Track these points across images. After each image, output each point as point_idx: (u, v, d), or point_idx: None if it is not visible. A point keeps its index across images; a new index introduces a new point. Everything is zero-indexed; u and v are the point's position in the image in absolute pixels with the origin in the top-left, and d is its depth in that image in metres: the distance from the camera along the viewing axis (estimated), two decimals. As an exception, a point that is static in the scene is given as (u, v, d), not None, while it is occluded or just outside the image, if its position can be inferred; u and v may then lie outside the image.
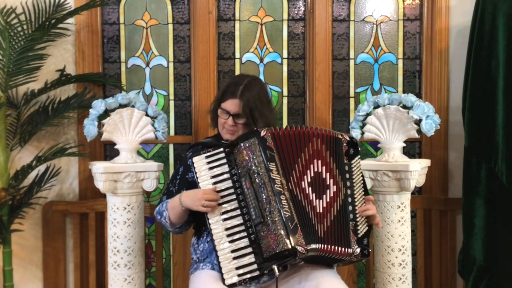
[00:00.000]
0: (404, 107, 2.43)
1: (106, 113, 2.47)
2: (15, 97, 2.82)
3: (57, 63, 2.89)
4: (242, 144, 1.92)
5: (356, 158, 2.01)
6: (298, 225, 1.82)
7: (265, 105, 2.14)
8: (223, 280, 1.84)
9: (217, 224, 1.89)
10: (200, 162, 1.95)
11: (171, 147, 3.03)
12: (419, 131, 2.41)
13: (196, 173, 1.94)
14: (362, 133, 2.49)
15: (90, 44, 2.91)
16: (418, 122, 2.40)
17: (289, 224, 1.81)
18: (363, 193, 2.01)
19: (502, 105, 2.47)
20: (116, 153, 2.55)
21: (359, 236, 1.91)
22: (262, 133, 1.92)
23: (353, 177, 1.98)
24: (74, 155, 2.75)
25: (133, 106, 2.50)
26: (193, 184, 2.02)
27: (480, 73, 2.55)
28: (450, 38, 2.91)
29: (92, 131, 2.45)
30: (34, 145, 2.88)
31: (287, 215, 1.82)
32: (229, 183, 1.91)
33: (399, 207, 2.43)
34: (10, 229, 2.67)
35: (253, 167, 1.88)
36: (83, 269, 2.89)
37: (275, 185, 1.85)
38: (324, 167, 1.94)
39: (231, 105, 2.10)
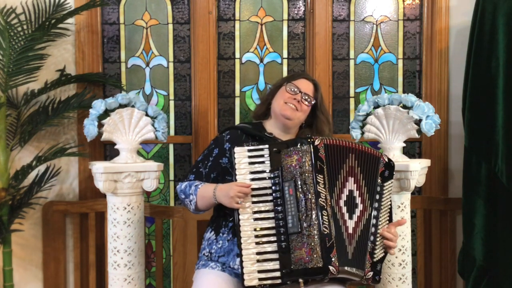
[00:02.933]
0: (404, 107, 2.42)
1: (106, 113, 2.47)
2: (15, 97, 2.82)
3: (57, 63, 2.89)
4: (293, 148, 1.84)
5: (389, 182, 1.95)
6: (334, 244, 1.76)
7: (326, 109, 2.16)
8: (242, 280, 1.78)
9: (247, 222, 1.82)
10: (241, 154, 1.86)
11: (171, 147, 3.03)
12: (419, 131, 2.41)
13: (235, 164, 1.86)
14: (362, 133, 2.49)
15: (90, 44, 2.91)
16: (418, 122, 2.39)
17: (327, 241, 1.75)
18: (388, 217, 1.95)
19: (502, 105, 2.47)
20: (116, 153, 2.55)
21: (375, 260, 1.86)
22: (316, 142, 1.84)
23: (383, 199, 1.92)
24: (74, 155, 2.75)
25: (133, 106, 2.50)
26: (226, 170, 1.99)
27: (480, 73, 2.55)
28: (450, 38, 2.91)
29: (92, 131, 2.44)
30: (34, 145, 2.88)
31: (326, 232, 1.76)
32: (267, 183, 1.84)
33: (399, 207, 2.42)
34: (10, 229, 2.67)
35: (301, 175, 1.81)
36: (83, 269, 2.89)
37: (320, 199, 1.79)
38: (355, 185, 1.88)
39: (304, 84, 2.08)
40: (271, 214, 1.82)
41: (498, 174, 2.47)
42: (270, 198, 1.83)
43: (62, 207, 2.86)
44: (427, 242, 2.89)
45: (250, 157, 1.86)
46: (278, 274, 1.77)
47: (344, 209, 1.85)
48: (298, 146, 1.84)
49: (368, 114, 2.47)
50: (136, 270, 2.46)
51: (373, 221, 1.87)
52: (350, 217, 1.85)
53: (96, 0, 2.73)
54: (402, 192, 2.42)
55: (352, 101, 3.01)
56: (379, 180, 1.92)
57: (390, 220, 1.97)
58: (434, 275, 2.89)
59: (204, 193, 1.95)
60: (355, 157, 1.89)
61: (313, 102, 2.08)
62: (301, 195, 1.80)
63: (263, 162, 1.86)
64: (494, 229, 2.52)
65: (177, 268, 2.89)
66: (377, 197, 1.90)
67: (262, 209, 1.83)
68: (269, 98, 2.13)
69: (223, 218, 1.99)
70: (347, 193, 1.87)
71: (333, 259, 1.75)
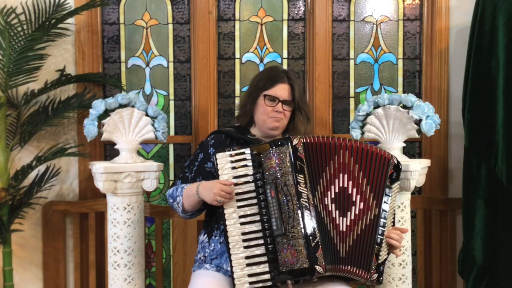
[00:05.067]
0: (404, 107, 2.43)
1: (106, 113, 2.47)
2: (15, 97, 2.82)
3: (57, 63, 2.89)
4: (272, 150, 1.84)
5: (396, 184, 1.93)
6: (319, 244, 1.77)
7: (305, 97, 2.14)
8: (233, 285, 1.79)
9: (233, 227, 1.82)
10: (223, 160, 1.86)
11: (171, 147, 3.03)
12: (419, 131, 2.41)
13: (218, 170, 1.86)
14: (362, 133, 2.49)
15: (90, 44, 2.91)
16: (418, 122, 2.40)
17: (311, 241, 1.76)
18: (393, 219, 1.93)
19: (502, 105, 2.47)
20: (116, 153, 2.55)
21: (379, 262, 1.84)
22: (295, 142, 1.85)
23: (390, 202, 1.89)
24: (74, 155, 2.75)
25: (133, 106, 2.50)
26: (211, 175, 1.99)
27: (480, 73, 2.55)
28: (450, 38, 2.91)
29: (92, 131, 2.44)
30: (34, 145, 2.88)
31: (310, 232, 1.77)
32: (251, 186, 1.84)
33: (399, 207, 2.42)
34: (10, 229, 2.67)
35: (281, 177, 1.81)
36: (83, 269, 2.89)
37: (302, 199, 1.79)
38: (350, 182, 1.86)
39: (280, 90, 2.05)
40: (257, 217, 1.81)
41: (498, 174, 2.47)
42: (255, 201, 1.83)
43: (62, 207, 2.86)
44: (427, 242, 2.89)
45: (232, 161, 1.86)
46: (268, 276, 1.77)
47: (332, 207, 1.83)
48: (277, 147, 1.84)
49: (368, 114, 2.47)
50: (136, 270, 2.46)
51: (382, 222, 1.85)
52: (343, 215, 1.83)
53: (96, 0, 2.73)
54: (402, 192, 2.42)
55: (352, 101, 3.01)
56: (388, 182, 1.89)
57: (393, 222, 1.96)
58: (434, 275, 2.89)
59: (189, 191, 1.96)
60: (350, 154, 1.87)
61: (293, 105, 2.09)
62: (282, 196, 1.80)
63: (245, 166, 1.85)
64: (494, 229, 2.52)
65: (177, 268, 2.89)
66: (385, 199, 1.88)
67: (248, 212, 1.83)
68: (251, 108, 2.11)
69: (215, 221, 2.01)
70: (337, 190, 1.85)
71: (319, 258, 1.75)
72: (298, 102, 2.08)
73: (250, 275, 1.77)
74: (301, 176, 1.82)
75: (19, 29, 2.65)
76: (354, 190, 1.86)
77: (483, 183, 2.54)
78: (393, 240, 1.88)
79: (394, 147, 2.44)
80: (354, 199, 1.85)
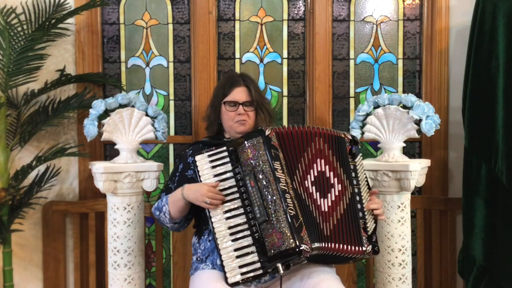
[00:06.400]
0: (404, 107, 2.43)
1: (106, 113, 2.47)
2: (15, 97, 2.82)
3: (57, 63, 2.89)
4: (246, 143, 1.90)
5: (359, 157, 2.02)
6: (303, 224, 1.81)
7: (264, 95, 2.22)
8: (225, 278, 1.84)
9: (219, 223, 1.88)
10: (202, 161, 1.94)
11: (171, 147, 3.03)
12: (419, 131, 2.41)
13: (198, 171, 1.93)
14: (362, 133, 2.49)
15: (90, 44, 2.91)
16: (418, 122, 2.40)
17: (294, 222, 1.80)
18: (368, 190, 2.02)
19: (502, 105, 2.47)
20: (116, 153, 2.55)
21: (369, 233, 1.91)
22: (267, 132, 1.91)
23: (358, 175, 1.97)
24: (74, 155, 2.75)
25: (133, 106, 2.50)
26: (192, 181, 2.03)
27: (480, 73, 2.55)
28: (450, 38, 2.91)
29: (92, 131, 2.45)
30: (34, 145, 2.88)
31: (292, 214, 1.81)
32: (232, 182, 1.90)
33: (399, 207, 2.43)
34: (10, 229, 2.67)
35: (258, 166, 1.86)
36: (83, 269, 2.89)
37: (280, 184, 1.84)
38: (327, 166, 1.93)
39: (238, 93, 2.13)
40: (241, 210, 1.87)
41: (498, 174, 2.47)
42: (237, 195, 1.89)
43: (62, 207, 2.86)
44: (427, 242, 2.89)
45: (211, 161, 1.94)
46: (258, 265, 1.81)
47: (312, 189, 1.89)
48: (251, 139, 1.91)
49: (368, 114, 2.48)
50: (136, 270, 2.47)
51: (357, 198, 1.93)
52: (324, 196, 1.90)
53: (96, 0, 2.73)
54: (402, 192, 2.43)
55: (352, 101, 3.01)
56: (349, 159, 1.98)
57: (369, 189, 2.04)
58: (434, 275, 2.89)
59: (174, 198, 2.01)
60: (324, 140, 1.96)
61: (255, 104, 2.15)
62: (262, 184, 1.85)
63: (224, 163, 1.92)
64: (494, 229, 2.52)
65: (177, 268, 2.89)
66: (353, 174, 1.96)
67: (232, 207, 1.89)
68: (215, 118, 2.20)
69: (203, 223, 2.06)
70: (316, 174, 1.91)
71: (304, 238, 1.79)
72: (257, 101, 2.15)
73: (241, 266, 1.83)
74: (277, 163, 1.87)
75: (19, 29, 2.65)
76: (331, 173, 1.93)
77: (483, 183, 2.55)
78: (376, 210, 1.98)
79: (394, 147, 2.44)
80: (332, 182, 1.93)
